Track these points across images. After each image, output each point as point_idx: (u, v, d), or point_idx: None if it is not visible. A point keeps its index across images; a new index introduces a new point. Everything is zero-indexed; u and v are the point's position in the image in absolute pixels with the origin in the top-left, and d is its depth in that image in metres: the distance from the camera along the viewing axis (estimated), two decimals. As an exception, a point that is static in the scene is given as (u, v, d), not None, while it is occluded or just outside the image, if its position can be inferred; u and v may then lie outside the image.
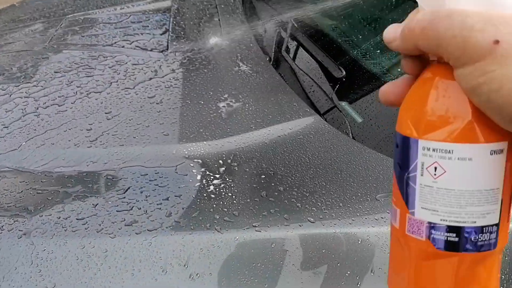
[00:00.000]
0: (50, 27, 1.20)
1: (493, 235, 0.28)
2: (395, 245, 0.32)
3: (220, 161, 0.69)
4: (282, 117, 0.79)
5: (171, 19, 1.17)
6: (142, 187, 0.64)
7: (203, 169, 0.68)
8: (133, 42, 1.09)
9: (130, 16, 1.26)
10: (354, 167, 0.67)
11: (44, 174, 0.67)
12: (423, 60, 0.30)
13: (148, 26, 1.18)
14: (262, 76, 0.92)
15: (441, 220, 0.28)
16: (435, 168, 0.27)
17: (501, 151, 0.27)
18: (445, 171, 0.27)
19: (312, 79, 0.91)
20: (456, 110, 0.27)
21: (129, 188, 0.64)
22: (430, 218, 0.28)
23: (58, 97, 0.86)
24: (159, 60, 0.98)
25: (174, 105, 0.82)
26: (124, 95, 0.86)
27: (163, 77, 0.92)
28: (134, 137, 0.75)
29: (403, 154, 0.29)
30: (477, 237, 0.28)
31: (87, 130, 0.77)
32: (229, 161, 0.69)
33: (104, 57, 1.00)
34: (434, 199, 0.28)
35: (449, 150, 0.27)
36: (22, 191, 0.64)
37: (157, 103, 0.83)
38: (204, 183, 0.65)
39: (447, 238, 0.28)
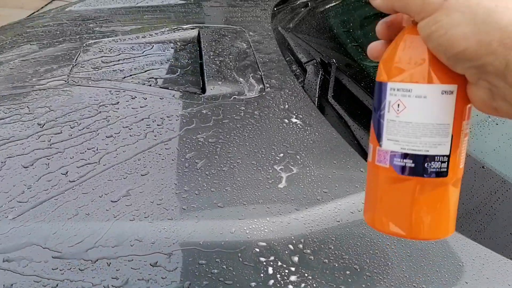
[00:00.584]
0: (66, 55, 1.08)
1: (444, 165, 0.32)
2: (368, 179, 0.37)
3: (291, 246, 0.59)
4: (351, 187, 0.68)
5: (205, 56, 1.06)
6: (203, 283, 0.53)
7: (272, 258, 0.57)
8: (162, 79, 0.98)
9: (153, 46, 1.15)
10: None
11: (78, 258, 0.55)
12: (394, 28, 0.36)
13: (178, 61, 1.07)
14: (317, 131, 0.82)
15: (401, 148, 0.33)
16: (398, 105, 0.32)
17: (451, 92, 0.32)
18: (405, 107, 0.32)
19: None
20: (416, 57, 0.32)
21: (189, 285, 0.52)
22: (392, 147, 0.33)
23: (87, 150, 0.74)
24: (196, 106, 0.87)
25: (223, 166, 0.72)
26: (161, 151, 0.75)
27: (203, 128, 0.81)
28: (183, 208, 0.63)
29: (377, 97, 0.34)
30: (429, 164, 0.32)
31: (124, 196, 0.65)
32: (300, 246, 0.59)
33: (133, 98, 0.89)
34: (396, 131, 0.33)
35: (409, 89, 0.32)
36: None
37: (202, 163, 0.72)
38: (280, 279, 0.54)
39: (405, 164, 0.33)
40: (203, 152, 0.75)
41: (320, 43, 1.23)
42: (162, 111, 0.85)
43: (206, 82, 0.95)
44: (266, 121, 0.83)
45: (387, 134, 0.33)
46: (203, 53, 1.08)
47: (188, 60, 1.09)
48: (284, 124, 0.83)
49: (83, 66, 1.02)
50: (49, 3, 4.33)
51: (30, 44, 1.19)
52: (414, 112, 0.32)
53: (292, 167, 0.72)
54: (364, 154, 0.77)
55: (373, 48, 0.38)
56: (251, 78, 0.99)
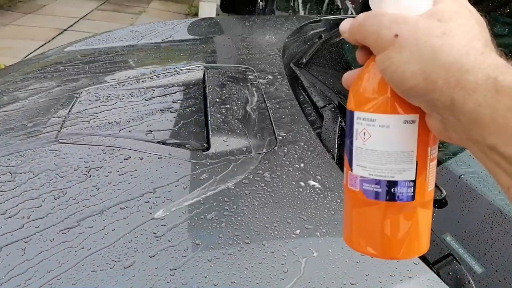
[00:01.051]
0: (60, 104, 0.99)
1: (411, 189, 0.34)
2: (344, 201, 0.38)
3: None
4: (384, 278, 0.56)
5: (209, 105, 0.96)
6: None
7: None
8: (162, 132, 0.88)
9: (154, 91, 1.05)
10: None
11: None
12: (369, 54, 0.36)
13: (180, 108, 0.97)
14: (339, 197, 0.70)
15: (368, 174, 0.34)
16: (364, 133, 0.34)
17: (413, 121, 0.33)
18: (370, 136, 0.34)
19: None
20: (378, 88, 0.33)
21: None
22: (361, 172, 0.34)
23: (69, 229, 0.64)
24: (199, 167, 0.76)
25: (228, 249, 0.60)
26: (155, 228, 0.64)
27: (206, 199, 0.70)
28: (179, 312, 0.52)
29: (347, 124, 0.36)
30: (396, 189, 0.34)
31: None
32: None
33: (126, 158, 0.78)
34: (364, 157, 0.34)
35: (373, 119, 0.33)
36: None
37: (203, 246, 0.61)
38: None
39: (373, 189, 0.34)
40: (205, 229, 0.63)
41: (337, 81, 1.12)
42: (160, 176, 0.74)
43: (210, 136, 0.84)
44: (279, 185, 0.72)
45: (356, 160, 0.34)
46: (207, 100, 0.97)
47: (192, 107, 0.98)
48: (300, 189, 0.71)
49: (76, 117, 0.92)
50: (59, 34, 4.33)
51: (24, 91, 1.10)
52: (379, 141, 0.33)
53: (312, 249, 0.60)
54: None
55: (347, 77, 0.38)
56: (260, 129, 0.88)
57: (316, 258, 0.59)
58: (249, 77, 1.12)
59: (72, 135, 0.86)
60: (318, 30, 1.62)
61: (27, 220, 0.65)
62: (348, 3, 5.46)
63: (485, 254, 0.62)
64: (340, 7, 5.60)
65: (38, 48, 3.82)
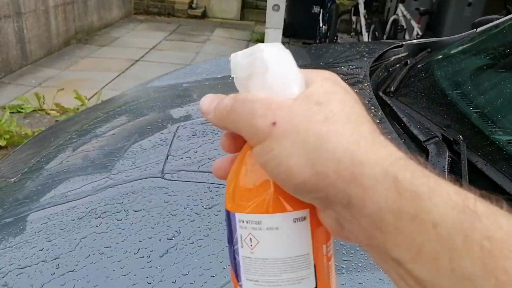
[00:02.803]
0: (158, 143, 1.02)
1: None
2: None
3: None
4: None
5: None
6: None
7: None
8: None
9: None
10: None
11: None
12: (239, 140, 0.31)
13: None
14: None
15: None
16: (251, 239, 0.28)
17: (304, 218, 0.28)
18: (258, 242, 0.28)
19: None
20: (259, 184, 0.28)
21: None
22: None
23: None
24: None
25: None
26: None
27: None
28: None
29: (228, 228, 0.30)
30: None
31: None
32: None
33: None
34: (254, 269, 0.28)
35: (258, 221, 0.28)
36: None
37: None
38: None
39: None
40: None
41: (432, 111, 1.07)
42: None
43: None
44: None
45: (246, 273, 0.29)
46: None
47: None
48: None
49: (176, 155, 0.95)
50: (132, 64, 4.58)
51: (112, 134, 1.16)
52: (269, 247, 0.28)
53: None
54: None
55: (217, 166, 0.33)
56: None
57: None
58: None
59: (176, 172, 0.88)
60: (401, 55, 1.58)
61: (147, 260, 0.66)
62: (414, 23, 5.34)
63: None
64: (404, 27, 5.50)
65: (113, 79, 4.06)
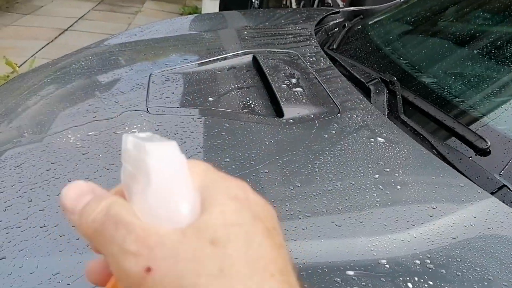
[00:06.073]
0: (136, 83, 1.11)
1: None
2: None
3: (418, 262, 0.61)
4: (458, 202, 0.71)
5: (272, 81, 1.09)
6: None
7: (406, 273, 0.59)
8: (233, 106, 1.01)
9: (215, 73, 1.18)
10: None
11: None
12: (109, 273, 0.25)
13: (241, 87, 1.10)
14: (404, 148, 0.84)
15: None
16: None
17: None
18: None
19: (464, 155, 0.84)
20: None
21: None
22: None
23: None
24: (280, 130, 0.90)
25: (327, 187, 0.74)
26: (260, 176, 0.77)
27: (293, 154, 0.83)
28: (303, 229, 0.65)
29: None
30: None
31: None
32: (427, 261, 0.61)
33: (210, 123, 0.91)
34: None
35: None
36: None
37: (302, 185, 0.74)
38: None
39: None
40: (303, 174, 0.77)
41: (370, 63, 1.27)
42: (254, 138, 0.87)
43: (282, 105, 0.98)
44: (353, 141, 0.86)
45: None
46: (269, 77, 1.11)
47: (250, 86, 1.12)
48: (371, 143, 0.86)
49: (155, 97, 1.05)
50: (61, 33, 4.40)
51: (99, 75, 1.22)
52: None
53: (394, 185, 0.74)
54: (456, 170, 0.80)
55: (91, 270, 0.26)
56: (322, 100, 1.02)
57: (400, 191, 0.73)
58: (295, 58, 1.26)
59: (159, 108, 0.98)
60: (338, 21, 1.77)
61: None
62: (339, 1, 5.65)
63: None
64: (331, 4, 5.80)
65: (43, 47, 3.89)
